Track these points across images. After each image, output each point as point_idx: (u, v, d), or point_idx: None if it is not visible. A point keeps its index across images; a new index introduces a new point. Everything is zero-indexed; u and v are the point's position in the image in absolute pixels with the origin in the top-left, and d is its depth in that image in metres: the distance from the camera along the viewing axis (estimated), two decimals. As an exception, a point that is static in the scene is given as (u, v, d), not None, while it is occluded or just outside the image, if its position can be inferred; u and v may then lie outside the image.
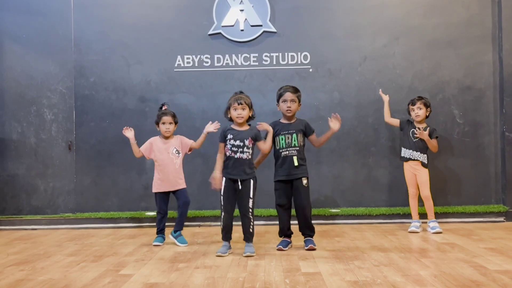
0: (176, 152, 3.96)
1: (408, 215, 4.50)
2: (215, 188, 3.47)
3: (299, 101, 3.65)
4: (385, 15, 4.95)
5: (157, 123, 3.98)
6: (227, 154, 3.47)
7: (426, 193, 4.24)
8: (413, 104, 4.33)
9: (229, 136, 3.46)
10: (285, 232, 3.64)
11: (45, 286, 2.68)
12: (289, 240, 3.64)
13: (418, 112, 4.29)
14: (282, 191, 3.61)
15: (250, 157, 3.47)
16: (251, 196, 3.45)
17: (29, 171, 5.03)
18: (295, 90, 3.64)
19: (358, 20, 4.96)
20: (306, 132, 3.65)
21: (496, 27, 4.85)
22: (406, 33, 4.94)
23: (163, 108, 4.03)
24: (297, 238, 3.72)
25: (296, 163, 3.55)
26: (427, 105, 4.32)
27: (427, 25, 4.92)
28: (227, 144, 3.47)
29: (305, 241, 3.57)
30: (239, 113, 3.44)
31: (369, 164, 4.91)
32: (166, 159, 3.92)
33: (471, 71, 4.90)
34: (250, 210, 3.44)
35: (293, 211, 3.65)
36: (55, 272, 2.99)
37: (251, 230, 3.46)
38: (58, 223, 4.88)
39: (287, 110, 3.60)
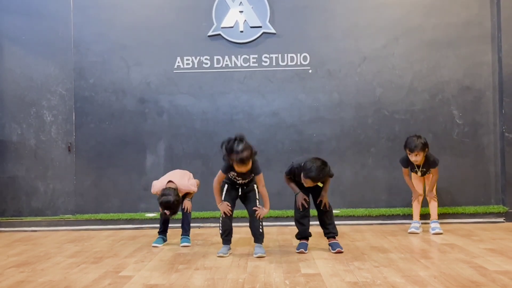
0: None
1: (408, 216, 4.50)
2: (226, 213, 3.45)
3: None
4: (384, 15, 4.96)
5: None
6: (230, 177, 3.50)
7: (433, 191, 4.22)
8: (411, 151, 4.04)
9: (232, 173, 3.44)
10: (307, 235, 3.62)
11: (45, 288, 2.68)
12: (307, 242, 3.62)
13: (417, 159, 4.06)
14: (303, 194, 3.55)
15: (251, 177, 3.49)
16: (258, 197, 3.48)
17: (29, 173, 5.03)
18: None
19: (357, 21, 4.96)
20: None
21: (495, 27, 4.85)
22: (405, 34, 4.94)
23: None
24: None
25: None
26: (425, 149, 4.04)
27: (426, 26, 4.93)
28: (229, 174, 3.45)
29: (331, 244, 3.48)
30: (243, 170, 3.32)
31: (369, 164, 4.91)
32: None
33: (470, 71, 4.90)
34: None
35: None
36: (55, 273, 2.99)
37: (261, 231, 3.45)
38: (58, 225, 4.87)
39: None
